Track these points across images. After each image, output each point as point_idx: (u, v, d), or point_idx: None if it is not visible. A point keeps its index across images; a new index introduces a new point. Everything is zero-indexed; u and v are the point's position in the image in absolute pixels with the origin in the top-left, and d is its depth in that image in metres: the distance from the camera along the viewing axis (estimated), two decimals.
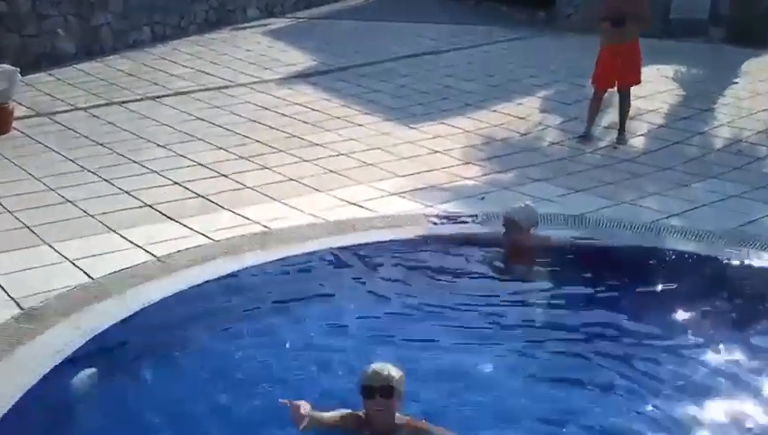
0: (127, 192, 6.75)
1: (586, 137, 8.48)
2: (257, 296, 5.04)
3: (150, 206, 6.47)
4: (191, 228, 6.01)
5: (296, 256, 5.52)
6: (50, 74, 10.80)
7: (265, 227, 6.08)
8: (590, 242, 5.88)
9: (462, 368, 4.32)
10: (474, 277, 5.43)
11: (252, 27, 13.44)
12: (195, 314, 4.80)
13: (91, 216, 6.24)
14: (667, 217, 6.35)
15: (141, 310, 4.77)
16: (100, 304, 4.87)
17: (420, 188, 7.02)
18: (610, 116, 8.94)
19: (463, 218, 6.24)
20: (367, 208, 6.53)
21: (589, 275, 5.52)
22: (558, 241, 5.90)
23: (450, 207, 6.58)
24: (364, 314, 4.88)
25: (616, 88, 8.51)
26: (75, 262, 5.43)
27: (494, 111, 9.41)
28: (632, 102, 8.53)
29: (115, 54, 11.73)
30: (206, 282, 5.09)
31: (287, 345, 4.49)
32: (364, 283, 5.33)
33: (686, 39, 12.51)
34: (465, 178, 7.32)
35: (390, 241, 5.85)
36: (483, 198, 6.77)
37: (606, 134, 8.67)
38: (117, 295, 4.95)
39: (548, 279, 5.52)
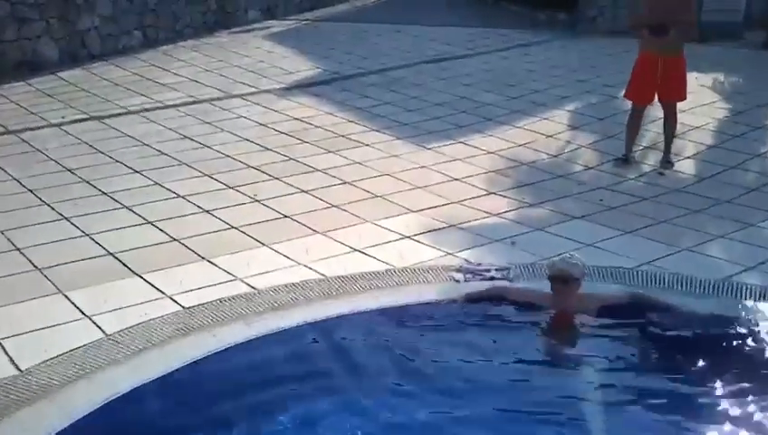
0: (88, 235, 5.45)
1: (626, 160, 7.13)
2: (217, 400, 3.73)
3: (113, 254, 5.16)
4: (155, 287, 4.70)
5: (278, 332, 4.19)
6: (28, 84, 9.49)
7: (248, 284, 4.78)
8: (657, 305, 4.52)
9: None
10: (512, 363, 4.08)
11: (252, 31, 12.10)
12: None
13: (38, 269, 4.96)
14: (742, 272, 5.01)
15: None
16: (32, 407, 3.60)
17: (437, 229, 5.68)
18: (652, 133, 7.61)
19: (493, 273, 4.90)
20: (373, 257, 5.19)
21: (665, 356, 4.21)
22: (617, 298, 4.59)
23: (474, 255, 5.23)
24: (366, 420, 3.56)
25: (657, 101, 7.17)
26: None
27: (518, 127, 8.06)
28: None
29: (102, 61, 10.42)
30: (156, 380, 3.75)
31: None
32: (362, 373, 3.98)
33: (719, 43, 11.13)
34: (490, 215, 5.98)
35: (402, 308, 4.51)
36: (513, 243, 5.43)
37: (648, 156, 7.33)
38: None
39: (607, 359, 4.17)
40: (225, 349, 3.98)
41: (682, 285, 4.77)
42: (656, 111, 7.45)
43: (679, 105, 7.24)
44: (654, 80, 6.92)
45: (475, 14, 13.63)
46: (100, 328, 4.20)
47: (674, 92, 7.05)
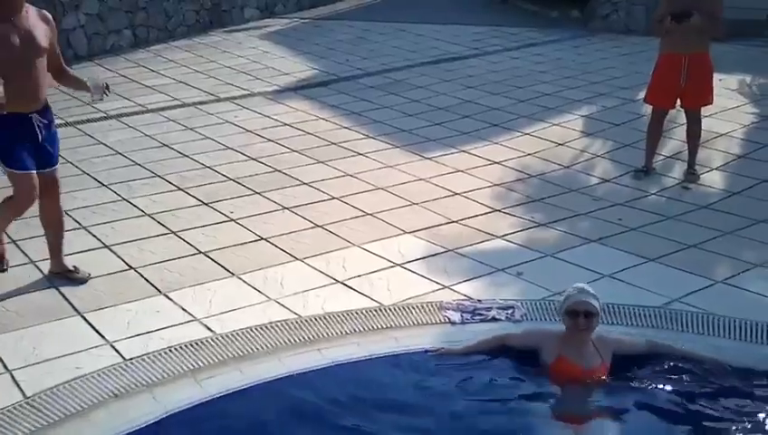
0: (34, 262, 4.69)
1: (646, 172, 6.29)
2: None
3: (57, 289, 4.38)
4: (97, 330, 3.91)
5: (230, 393, 3.39)
6: None
7: (206, 326, 3.98)
8: (682, 357, 3.68)
9: None
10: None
11: (248, 30, 11.27)
12: None
13: None
14: None
15: None
16: None
17: (434, 254, 4.87)
18: (674, 141, 6.77)
19: (494, 313, 4.09)
20: (357, 291, 4.40)
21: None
22: (634, 345, 3.76)
23: (474, 288, 4.42)
24: None
25: (680, 107, 6.33)
26: None
27: (527, 133, 7.23)
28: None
29: (88, 62, 9.66)
30: None
31: None
32: None
33: (742, 42, 10.22)
34: (494, 237, 5.16)
35: (385, 357, 3.70)
36: (520, 274, 4.62)
37: (670, 167, 6.48)
38: None
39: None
40: (156, 419, 3.19)
41: (721, 330, 3.94)
42: (677, 117, 6.62)
43: (703, 110, 6.40)
44: (677, 82, 6.07)
45: (484, 12, 12.76)
46: (20, 389, 3.42)
47: (700, 96, 6.20)
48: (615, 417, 3.43)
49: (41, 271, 4.55)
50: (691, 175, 6.21)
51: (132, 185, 5.91)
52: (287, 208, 5.55)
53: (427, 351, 3.76)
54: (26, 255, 4.76)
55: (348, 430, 3.25)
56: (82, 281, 4.41)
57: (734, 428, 3.23)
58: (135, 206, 5.54)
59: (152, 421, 3.18)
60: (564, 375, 3.57)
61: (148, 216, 5.39)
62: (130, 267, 4.62)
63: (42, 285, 4.40)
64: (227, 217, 5.39)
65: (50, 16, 4.26)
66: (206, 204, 5.62)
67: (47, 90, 4.23)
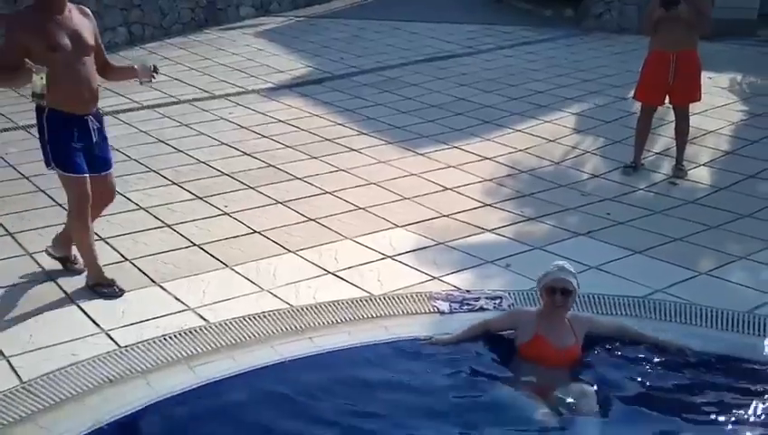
0: (30, 254, 4.76)
1: (634, 167, 6.39)
2: None
3: (54, 281, 4.47)
4: (91, 318, 4.00)
5: (224, 378, 3.49)
6: None
7: (199, 316, 4.07)
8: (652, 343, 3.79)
9: None
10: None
11: (243, 27, 11.35)
12: None
13: None
14: None
15: None
16: None
17: (424, 247, 4.97)
18: (663, 138, 6.87)
19: (482, 302, 4.18)
20: (348, 282, 4.49)
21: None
22: (605, 327, 3.87)
23: (463, 279, 4.52)
24: None
25: (669, 104, 6.43)
26: None
27: (518, 130, 7.32)
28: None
29: None
30: None
31: None
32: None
33: (732, 40, 10.33)
34: (485, 230, 5.26)
35: (375, 345, 3.80)
36: (508, 265, 4.71)
37: (659, 163, 6.59)
38: None
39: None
40: (150, 404, 3.28)
41: (702, 319, 4.04)
42: (666, 114, 6.73)
43: (692, 107, 6.50)
44: (665, 79, 6.17)
45: (477, 10, 12.85)
46: (16, 372, 3.51)
47: (688, 93, 6.31)
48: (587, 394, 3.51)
49: (37, 262, 4.63)
50: (679, 171, 6.31)
51: (128, 179, 5.98)
52: (280, 202, 5.64)
53: (417, 340, 3.85)
54: (22, 246, 4.85)
55: (339, 414, 3.34)
56: (79, 272, 4.44)
57: (702, 414, 3.32)
58: (130, 200, 5.63)
59: (146, 405, 3.27)
60: (539, 354, 3.67)
61: (144, 209, 5.47)
62: (125, 259, 4.70)
63: (39, 277, 4.48)
64: (221, 210, 5.48)
65: (88, 11, 4.17)
66: (201, 198, 5.70)
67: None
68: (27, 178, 6.00)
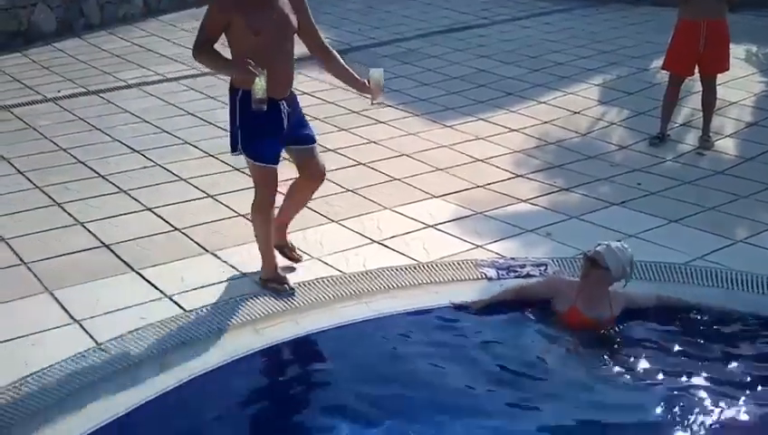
0: (81, 223, 4.91)
1: (661, 138, 6.55)
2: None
3: (108, 247, 4.61)
4: (154, 285, 4.16)
5: (286, 341, 3.68)
6: (24, 55, 8.92)
7: (255, 282, 4.23)
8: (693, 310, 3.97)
9: None
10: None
11: None
12: None
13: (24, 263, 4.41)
14: None
15: None
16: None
17: (463, 217, 5.13)
18: (686, 109, 7.01)
19: (528, 269, 4.35)
20: (395, 250, 4.66)
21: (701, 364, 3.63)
22: (646, 299, 4.03)
23: (506, 247, 4.68)
24: None
25: (697, 74, 6.56)
26: None
27: (542, 102, 7.46)
28: None
29: (101, 31, 9.82)
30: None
31: None
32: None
33: (749, 12, 10.42)
34: (520, 200, 5.42)
35: (429, 309, 3.98)
36: (549, 234, 4.88)
37: (684, 134, 6.74)
38: None
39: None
40: (228, 362, 3.47)
41: (743, 285, 4.22)
42: (691, 86, 6.86)
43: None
44: (696, 48, 6.29)
45: None
46: (90, 335, 3.68)
47: (717, 63, 6.43)
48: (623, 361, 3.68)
49: (89, 231, 4.78)
50: (705, 142, 6.46)
51: (163, 152, 6.12)
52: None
53: (451, 303, 4.02)
54: (72, 216, 4.99)
55: (399, 374, 3.52)
56: (298, 260, 4.34)
57: (735, 374, 3.50)
58: (170, 171, 5.76)
59: (220, 365, 3.45)
60: (574, 324, 3.85)
61: (185, 181, 5.61)
62: (175, 228, 4.85)
63: (94, 244, 4.63)
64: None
65: None
66: (237, 169, 5.83)
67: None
68: (65, 150, 6.13)
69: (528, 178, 5.85)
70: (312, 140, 4.13)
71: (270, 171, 3.98)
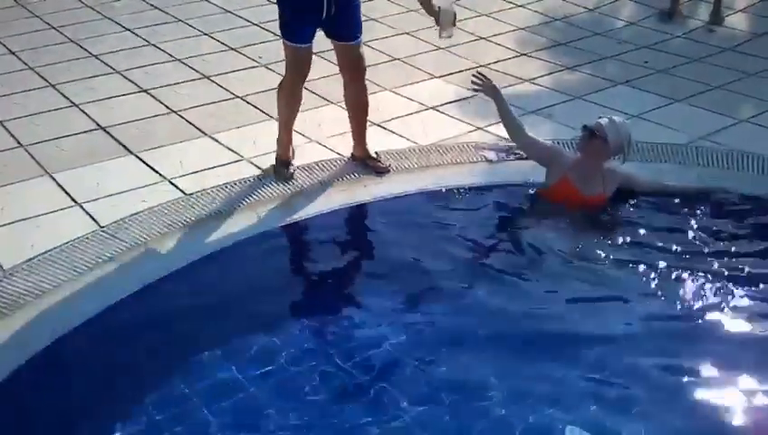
0: (77, 105, 4.89)
1: (671, 14, 6.40)
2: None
3: (104, 129, 4.62)
4: (152, 168, 4.19)
5: (284, 226, 3.77)
6: None
7: (255, 165, 4.23)
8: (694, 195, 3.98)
9: None
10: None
11: None
12: None
13: (22, 146, 4.42)
14: None
15: None
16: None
17: (464, 98, 5.08)
18: None
19: None
20: (394, 133, 4.65)
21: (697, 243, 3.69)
22: (647, 184, 4.03)
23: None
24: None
25: None
26: None
27: None
28: None
29: None
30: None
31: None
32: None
33: None
34: (523, 80, 5.36)
35: (425, 192, 4.02)
36: (550, 115, 4.86)
37: (695, 9, 6.58)
38: None
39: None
40: (229, 245, 3.56)
41: (745, 165, 4.23)
42: None
43: None
44: None
45: None
46: (93, 218, 3.74)
47: None
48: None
49: (86, 114, 4.77)
50: (716, 17, 6.32)
51: (155, 30, 6.02)
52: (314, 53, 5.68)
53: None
54: (67, 97, 4.97)
55: (391, 253, 3.62)
56: (384, 170, 4.18)
57: (731, 255, 3.54)
58: (162, 50, 5.69)
59: (221, 248, 3.55)
60: (565, 196, 3.89)
61: (178, 60, 5.55)
62: (171, 110, 4.83)
63: (90, 127, 4.63)
64: (257, 61, 5.55)
65: None
66: (233, 48, 5.77)
67: None
68: (56, 29, 6.02)
69: (532, 56, 5.77)
70: (349, 38, 4.01)
71: (295, 50, 3.94)
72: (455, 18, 4.00)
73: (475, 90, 4.15)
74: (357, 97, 4.18)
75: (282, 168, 4.13)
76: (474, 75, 4.14)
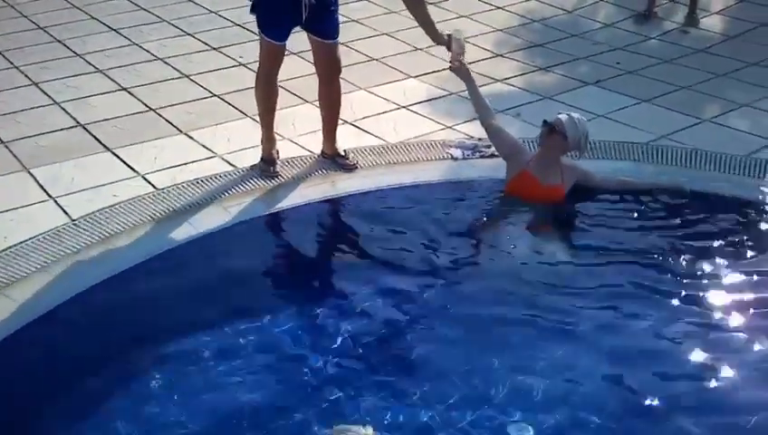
0: (58, 103, 5.07)
1: (647, 16, 6.57)
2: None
3: (83, 126, 4.80)
4: (127, 164, 4.37)
5: (256, 218, 3.95)
6: None
7: (227, 162, 4.40)
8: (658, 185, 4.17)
9: None
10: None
11: None
12: None
13: (2, 142, 4.60)
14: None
15: None
16: None
17: (437, 97, 5.26)
18: None
19: (493, 150, 4.51)
20: (365, 131, 4.82)
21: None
22: (604, 181, 4.21)
23: (475, 128, 4.78)
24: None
25: None
26: None
27: None
28: None
29: None
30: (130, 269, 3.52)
31: None
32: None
33: None
34: (495, 80, 5.52)
35: (389, 188, 4.20)
36: (518, 114, 5.02)
37: (672, 11, 6.75)
38: None
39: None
40: (197, 238, 3.73)
41: (701, 163, 4.40)
42: None
43: None
44: None
45: None
46: (65, 212, 3.91)
47: None
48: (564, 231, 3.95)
49: (66, 111, 4.95)
50: (691, 19, 6.49)
51: (141, 30, 6.20)
52: (293, 53, 5.83)
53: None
54: (48, 95, 5.15)
55: (356, 248, 3.83)
56: (352, 167, 4.33)
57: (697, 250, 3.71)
58: (146, 50, 5.87)
59: (188, 241, 3.73)
60: (525, 187, 4.08)
61: (160, 60, 5.73)
62: (150, 109, 5.02)
63: (68, 124, 4.81)
64: (237, 61, 5.73)
65: None
66: (215, 48, 5.95)
67: None
68: (43, 29, 6.21)
69: (507, 57, 5.94)
70: (326, 36, 4.14)
71: (269, 45, 4.11)
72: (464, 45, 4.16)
73: (451, 68, 4.24)
74: (330, 96, 4.34)
75: (265, 165, 4.30)
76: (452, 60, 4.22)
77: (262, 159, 4.33)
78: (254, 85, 4.34)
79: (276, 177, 4.22)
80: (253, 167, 4.30)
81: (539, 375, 2.94)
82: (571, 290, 3.43)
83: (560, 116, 4.11)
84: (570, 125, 4.05)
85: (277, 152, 4.37)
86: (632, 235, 3.82)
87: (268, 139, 4.34)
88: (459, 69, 4.24)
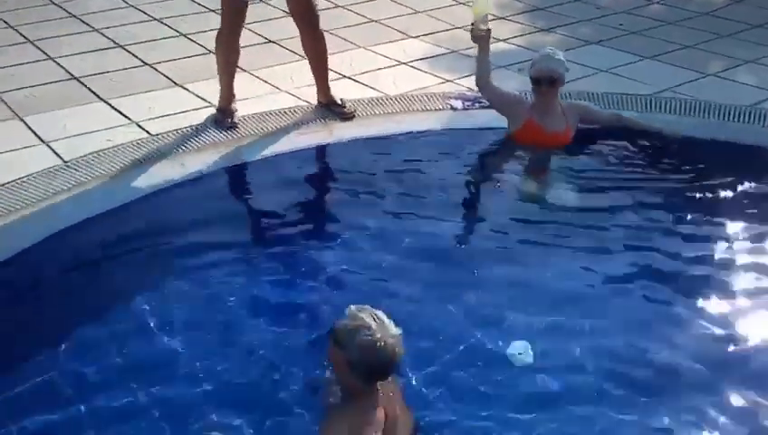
0: (52, 58, 5.03)
1: None
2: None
3: (77, 78, 4.74)
4: (122, 113, 4.31)
5: (258, 160, 3.91)
6: None
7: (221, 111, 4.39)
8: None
9: None
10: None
11: None
12: None
13: None
14: None
15: None
16: None
17: (437, 55, 5.21)
18: None
19: None
20: (364, 84, 4.77)
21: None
22: (602, 115, 4.20)
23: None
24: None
25: None
26: None
27: None
28: None
29: None
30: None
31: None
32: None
33: None
34: (498, 40, 5.43)
35: (388, 136, 4.15)
36: (520, 70, 4.96)
37: None
38: None
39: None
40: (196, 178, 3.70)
41: (705, 112, 4.35)
42: None
43: None
44: None
45: None
46: (57, 154, 3.87)
47: None
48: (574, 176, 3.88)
49: (60, 65, 4.91)
50: None
51: None
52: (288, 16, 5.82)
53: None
54: (43, 51, 5.11)
55: (350, 192, 3.77)
56: (349, 116, 4.32)
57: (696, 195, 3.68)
58: (142, 11, 5.83)
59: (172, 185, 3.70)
60: (533, 137, 4.03)
61: (157, 20, 5.69)
62: (145, 63, 4.98)
63: (64, 77, 4.77)
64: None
65: None
66: (211, 10, 5.85)
67: None
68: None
69: (510, 19, 5.89)
70: None
71: (230, 2, 4.11)
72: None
73: (473, 36, 4.13)
74: (314, 45, 4.33)
75: (222, 116, 4.23)
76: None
77: (218, 110, 4.28)
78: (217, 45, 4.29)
79: (234, 127, 4.16)
80: (215, 119, 4.25)
81: (538, 301, 2.92)
82: (570, 226, 3.42)
83: (540, 65, 4.02)
84: (553, 64, 3.99)
85: (236, 109, 4.29)
86: (636, 177, 3.80)
87: (229, 93, 4.28)
88: (482, 36, 4.11)
